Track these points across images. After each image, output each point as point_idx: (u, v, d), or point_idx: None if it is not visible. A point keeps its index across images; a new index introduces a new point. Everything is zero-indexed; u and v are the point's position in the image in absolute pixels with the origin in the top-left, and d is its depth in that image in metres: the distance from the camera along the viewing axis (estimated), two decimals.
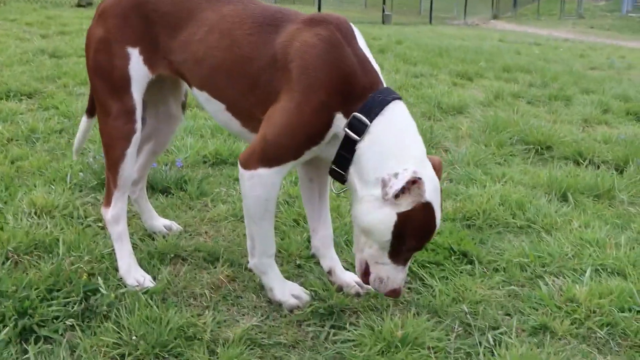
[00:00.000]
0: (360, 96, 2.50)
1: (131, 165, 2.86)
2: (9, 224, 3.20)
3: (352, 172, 2.54)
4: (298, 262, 3.13)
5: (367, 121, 2.47)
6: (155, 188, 3.90)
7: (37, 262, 2.88)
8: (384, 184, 2.37)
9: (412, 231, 2.43)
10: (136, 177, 3.19)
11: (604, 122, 6.66)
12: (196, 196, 3.85)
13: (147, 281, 2.80)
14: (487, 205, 3.84)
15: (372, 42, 12.57)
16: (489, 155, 4.99)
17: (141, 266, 2.92)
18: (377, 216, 2.43)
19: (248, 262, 2.85)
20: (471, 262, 3.21)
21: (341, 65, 2.50)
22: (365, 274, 2.60)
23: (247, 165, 2.58)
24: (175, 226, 3.40)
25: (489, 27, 28.82)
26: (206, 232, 3.42)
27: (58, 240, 3.05)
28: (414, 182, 2.34)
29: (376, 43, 12.45)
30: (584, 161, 5.03)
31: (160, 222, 3.37)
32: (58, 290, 2.61)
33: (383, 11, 26.10)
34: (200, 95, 2.79)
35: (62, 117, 5.27)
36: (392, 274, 2.54)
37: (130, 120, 2.79)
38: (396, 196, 2.36)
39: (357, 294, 2.87)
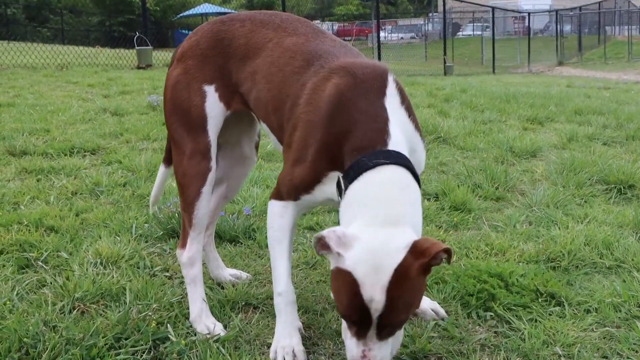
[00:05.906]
0: (350, 156, 2.28)
1: (207, 204, 2.78)
2: (74, 274, 3.13)
3: None
4: None
5: (342, 186, 2.27)
6: (222, 237, 3.82)
7: (103, 310, 2.79)
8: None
9: (335, 295, 2.17)
10: (206, 222, 3.08)
11: None
12: (265, 245, 3.69)
13: (218, 328, 2.67)
14: (571, 245, 3.62)
15: (435, 91, 12.46)
16: (568, 196, 4.77)
17: (212, 314, 2.80)
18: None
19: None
20: (560, 304, 3.00)
21: (339, 121, 2.30)
22: None
23: (269, 197, 2.59)
24: (245, 275, 3.28)
25: (554, 74, 28.38)
26: None
27: (125, 289, 2.96)
28: (319, 239, 2.13)
29: (440, 92, 12.30)
30: None
31: (226, 272, 3.26)
32: (126, 339, 2.51)
33: (444, 62, 26.11)
34: (264, 127, 2.79)
35: (126, 171, 5.27)
36: (348, 346, 2.20)
37: (206, 157, 2.74)
38: (319, 252, 2.16)
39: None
